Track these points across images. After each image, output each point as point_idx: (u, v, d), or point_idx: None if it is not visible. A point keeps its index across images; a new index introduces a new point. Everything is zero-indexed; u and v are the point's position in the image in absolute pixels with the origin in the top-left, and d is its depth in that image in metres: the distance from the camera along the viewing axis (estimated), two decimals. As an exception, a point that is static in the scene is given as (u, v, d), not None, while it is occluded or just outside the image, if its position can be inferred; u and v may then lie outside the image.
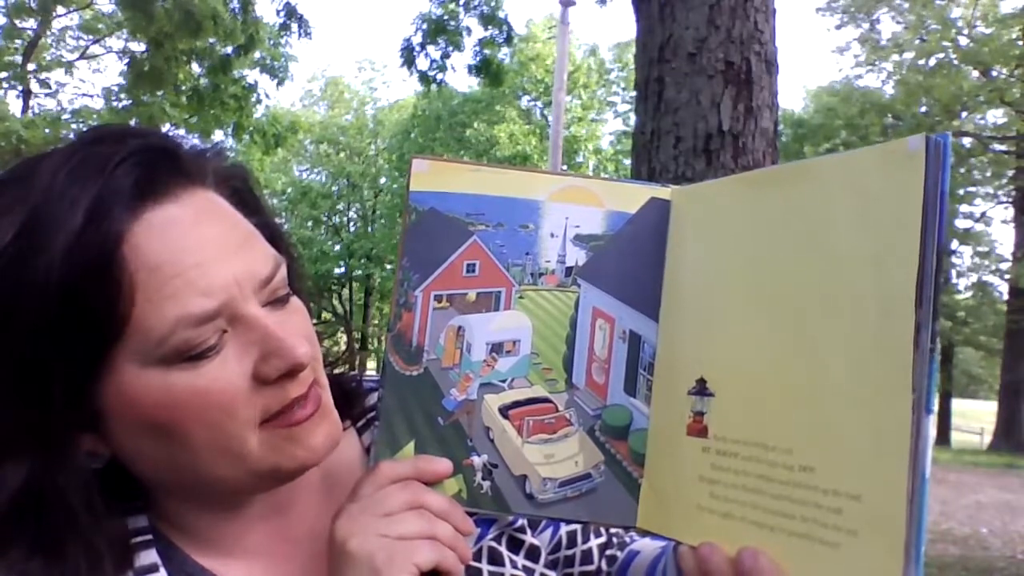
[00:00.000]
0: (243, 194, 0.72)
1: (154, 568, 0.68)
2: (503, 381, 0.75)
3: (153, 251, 0.60)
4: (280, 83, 12.97)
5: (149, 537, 0.70)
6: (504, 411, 0.75)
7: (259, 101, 11.43)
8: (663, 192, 0.77)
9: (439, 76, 9.39)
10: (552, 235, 0.76)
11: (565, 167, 20.53)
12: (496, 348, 0.75)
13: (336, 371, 0.82)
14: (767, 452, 0.64)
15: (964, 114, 21.68)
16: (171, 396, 0.62)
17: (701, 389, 0.70)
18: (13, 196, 0.61)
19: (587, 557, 0.88)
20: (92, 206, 0.59)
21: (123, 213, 0.60)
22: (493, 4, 9.24)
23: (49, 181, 0.60)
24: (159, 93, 11.10)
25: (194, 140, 0.72)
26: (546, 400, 0.75)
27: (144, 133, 0.67)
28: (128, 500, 0.70)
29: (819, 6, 22.97)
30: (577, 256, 0.76)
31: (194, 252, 0.62)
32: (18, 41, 18.92)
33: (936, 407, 0.57)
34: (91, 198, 0.59)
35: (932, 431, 0.55)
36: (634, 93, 3.67)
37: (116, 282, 0.59)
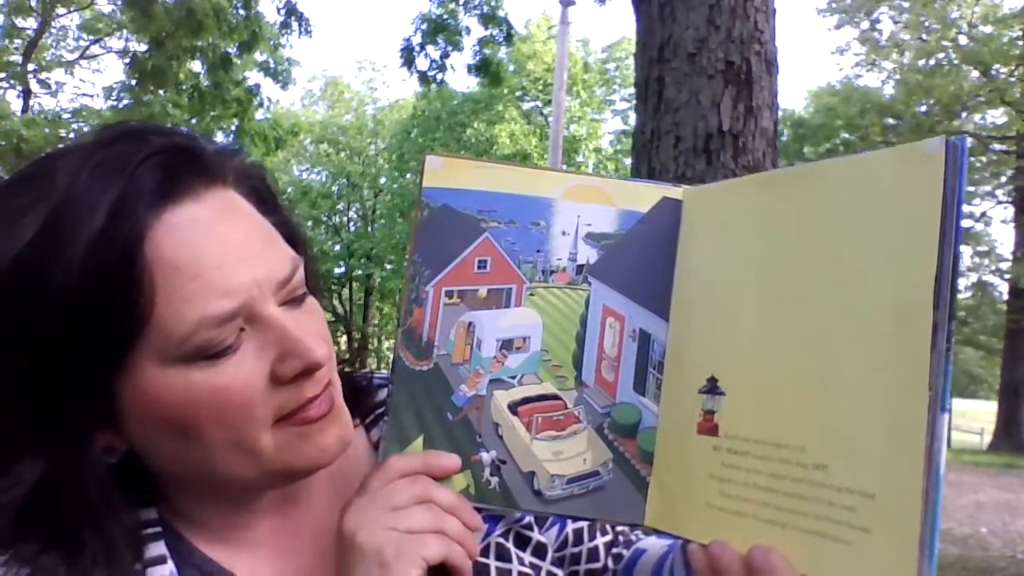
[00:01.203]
0: (262, 193, 0.72)
1: (161, 560, 0.68)
2: (513, 377, 0.75)
3: (174, 252, 0.60)
4: (284, 86, 12.96)
5: (158, 529, 0.70)
6: (513, 407, 0.75)
7: (261, 104, 11.42)
8: (675, 192, 0.77)
9: (439, 76, 9.39)
10: (564, 233, 0.76)
11: (565, 166, 20.52)
12: (506, 344, 0.75)
13: (347, 370, 0.83)
14: (779, 450, 0.64)
15: (964, 114, 21.68)
16: (189, 394, 0.62)
17: (712, 388, 0.70)
18: (34, 194, 0.61)
19: (593, 555, 0.88)
20: (114, 207, 0.59)
21: (145, 214, 0.60)
22: (493, 3, 9.23)
23: (70, 180, 0.60)
24: (161, 93, 11.08)
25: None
26: (555, 397, 0.75)
27: (167, 131, 0.67)
28: (140, 493, 0.70)
29: (819, 7, 22.98)
30: (588, 254, 0.76)
31: (214, 253, 0.62)
32: (18, 41, 18.93)
33: (951, 406, 0.57)
34: (113, 198, 0.59)
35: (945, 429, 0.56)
36: (632, 91, 3.67)
37: (137, 283, 0.59)
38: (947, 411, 0.55)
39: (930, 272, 0.56)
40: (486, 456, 0.74)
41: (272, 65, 12.49)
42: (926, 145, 0.58)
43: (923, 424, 0.55)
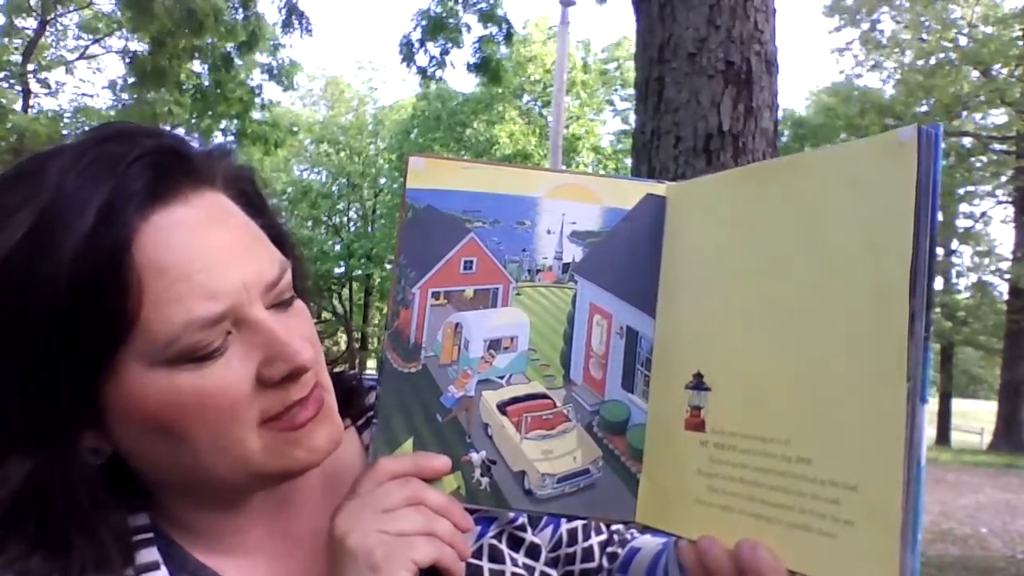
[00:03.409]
0: (250, 196, 0.72)
1: (155, 566, 0.68)
2: (501, 377, 0.75)
3: (161, 254, 0.60)
4: (286, 89, 12.92)
5: (150, 535, 0.70)
6: (502, 407, 0.75)
7: (263, 106, 11.41)
8: (659, 188, 0.77)
9: (438, 73, 9.38)
10: (549, 232, 0.76)
11: (564, 166, 20.51)
12: (494, 345, 0.75)
13: (336, 370, 0.83)
14: (765, 444, 0.64)
15: (964, 114, 21.67)
16: (175, 396, 0.62)
17: (698, 383, 0.70)
18: (23, 194, 0.61)
19: (588, 554, 0.88)
20: (103, 208, 0.59)
21: (133, 216, 0.60)
22: (492, 1, 9.22)
23: (60, 180, 0.60)
24: (162, 91, 11.08)
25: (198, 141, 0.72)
26: (544, 396, 0.75)
27: (156, 133, 0.66)
28: (129, 498, 0.70)
29: (823, 7, 22.98)
30: (574, 252, 0.76)
31: (202, 256, 0.62)
32: (18, 41, 18.95)
33: (931, 396, 0.57)
34: (102, 200, 0.59)
35: (927, 420, 0.55)
36: (632, 91, 3.67)
37: (124, 285, 0.59)
38: (927, 402, 0.55)
39: (905, 260, 0.56)
40: (476, 457, 0.74)
41: (275, 68, 12.45)
42: (899, 134, 0.58)
43: (903, 415, 0.55)
